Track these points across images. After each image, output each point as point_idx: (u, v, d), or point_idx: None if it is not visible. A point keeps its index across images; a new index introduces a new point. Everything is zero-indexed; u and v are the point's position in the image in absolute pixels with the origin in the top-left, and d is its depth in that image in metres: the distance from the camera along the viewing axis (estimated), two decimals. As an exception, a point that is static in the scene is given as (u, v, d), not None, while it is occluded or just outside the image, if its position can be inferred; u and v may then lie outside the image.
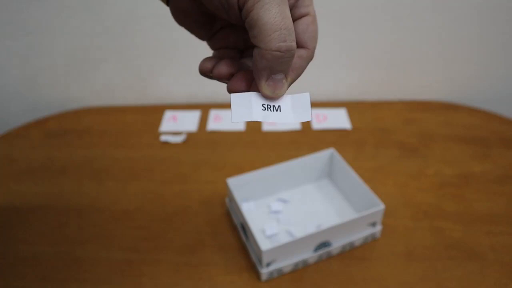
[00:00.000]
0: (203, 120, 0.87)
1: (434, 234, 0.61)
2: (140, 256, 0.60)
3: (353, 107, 0.89)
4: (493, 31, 0.82)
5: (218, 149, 0.79)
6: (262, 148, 0.79)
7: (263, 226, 0.61)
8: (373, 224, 0.59)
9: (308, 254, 0.56)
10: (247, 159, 0.76)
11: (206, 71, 0.33)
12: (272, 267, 0.54)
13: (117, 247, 0.61)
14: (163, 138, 0.82)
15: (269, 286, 0.55)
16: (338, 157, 0.65)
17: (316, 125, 0.84)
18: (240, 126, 0.85)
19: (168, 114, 0.89)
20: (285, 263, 0.55)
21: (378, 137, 0.81)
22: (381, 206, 0.56)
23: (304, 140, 0.81)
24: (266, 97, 0.30)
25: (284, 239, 0.60)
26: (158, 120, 0.88)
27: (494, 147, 0.77)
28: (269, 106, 0.30)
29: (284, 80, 0.29)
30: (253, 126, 0.85)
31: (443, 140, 0.79)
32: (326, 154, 0.67)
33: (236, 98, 0.30)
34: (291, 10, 0.31)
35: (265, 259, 0.52)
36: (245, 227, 0.57)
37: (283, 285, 0.55)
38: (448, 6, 0.79)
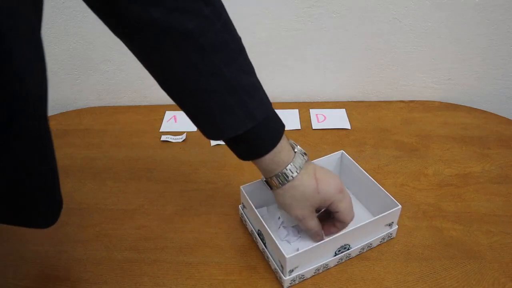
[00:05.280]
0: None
1: (433, 233, 0.61)
2: (140, 256, 0.60)
3: (353, 107, 0.89)
4: (493, 31, 0.82)
5: (218, 149, 0.79)
6: (262, 148, 0.79)
7: (277, 230, 0.60)
8: (390, 225, 0.59)
9: (328, 258, 0.55)
10: (247, 159, 0.76)
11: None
12: (294, 274, 0.53)
13: (117, 247, 0.61)
14: (163, 138, 0.82)
15: None
16: (348, 159, 0.65)
17: (316, 125, 0.85)
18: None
19: (169, 114, 0.90)
20: (307, 268, 0.54)
21: (377, 137, 0.81)
22: (398, 206, 0.56)
23: (304, 140, 0.81)
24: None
25: (294, 239, 0.59)
26: (158, 120, 0.88)
27: (493, 147, 0.77)
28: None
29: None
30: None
31: (442, 140, 0.80)
32: (336, 156, 0.66)
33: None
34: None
35: (288, 266, 0.51)
36: (263, 234, 0.56)
37: None
38: (448, 6, 0.80)
